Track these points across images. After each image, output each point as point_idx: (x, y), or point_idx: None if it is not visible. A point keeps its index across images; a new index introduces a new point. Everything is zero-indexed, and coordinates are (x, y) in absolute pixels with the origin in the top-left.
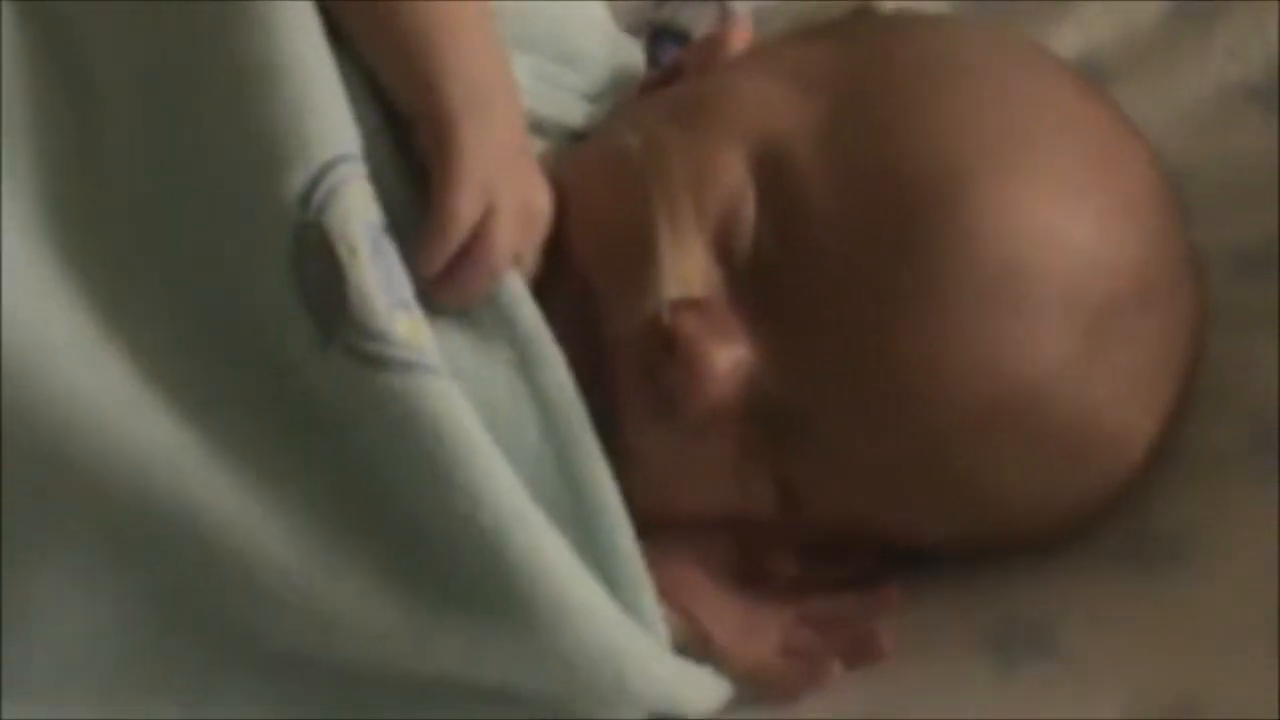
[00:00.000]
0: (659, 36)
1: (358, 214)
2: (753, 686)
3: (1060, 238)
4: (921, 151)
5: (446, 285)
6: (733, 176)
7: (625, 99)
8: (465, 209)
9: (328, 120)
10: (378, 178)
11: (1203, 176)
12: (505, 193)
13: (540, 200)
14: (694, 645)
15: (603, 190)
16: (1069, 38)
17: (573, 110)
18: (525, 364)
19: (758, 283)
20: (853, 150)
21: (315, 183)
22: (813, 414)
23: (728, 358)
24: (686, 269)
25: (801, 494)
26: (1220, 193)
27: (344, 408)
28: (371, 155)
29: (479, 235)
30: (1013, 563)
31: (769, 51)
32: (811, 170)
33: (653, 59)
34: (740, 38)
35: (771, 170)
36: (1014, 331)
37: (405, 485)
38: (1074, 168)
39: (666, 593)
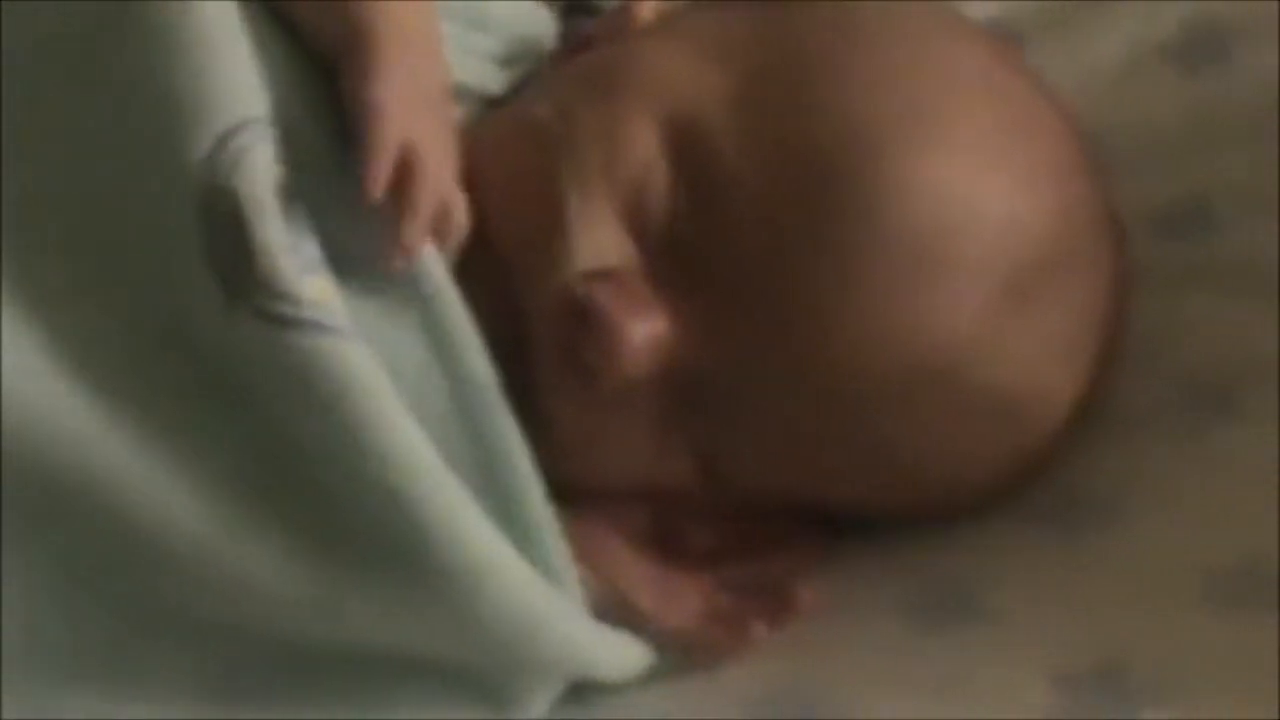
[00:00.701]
0: (572, 8)
1: (266, 175)
2: (675, 650)
3: (975, 203)
4: (834, 120)
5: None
6: (644, 146)
7: (538, 69)
8: (394, 126)
9: (233, 83)
10: (290, 139)
11: (1119, 137)
12: (425, 135)
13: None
14: (613, 609)
15: (513, 161)
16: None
17: (487, 76)
18: (433, 328)
19: (673, 253)
20: (765, 119)
21: (221, 146)
22: (731, 385)
23: (642, 330)
24: (598, 240)
25: (720, 464)
26: (1138, 153)
27: (253, 370)
28: (285, 115)
29: (408, 163)
30: (937, 526)
31: (680, 20)
32: (724, 140)
33: (565, 30)
34: (649, 6)
35: (684, 140)
36: (930, 298)
37: (315, 448)
38: (988, 134)
39: (584, 556)
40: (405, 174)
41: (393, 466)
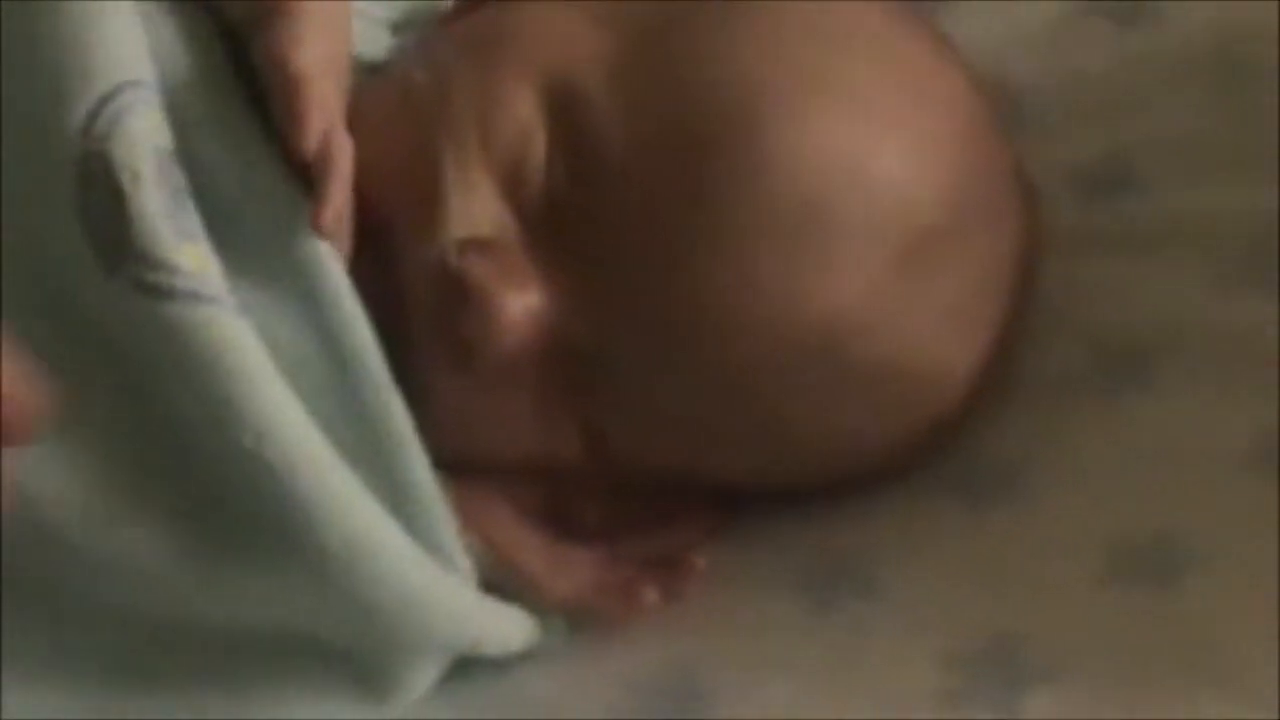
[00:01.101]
0: None
1: (144, 141)
2: (564, 622)
3: (864, 171)
4: (717, 84)
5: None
6: (521, 112)
7: (425, 33)
8: (320, 94)
9: (113, 47)
10: (176, 106)
11: (1046, 94)
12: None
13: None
14: (503, 578)
15: (389, 127)
16: None
17: (375, 42)
18: (315, 298)
19: (552, 223)
20: (646, 84)
21: (98, 110)
22: (615, 357)
23: (520, 304)
24: (474, 209)
25: (607, 438)
26: (1064, 111)
27: (129, 340)
28: (171, 83)
29: (331, 133)
30: (835, 499)
31: None
32: (604, 105)
33: None
34: None
35: (562, 106)
36: (815, 267)
37: (190, 420)
38: (881, 100)
39: (474, 524)
40: (330, 143)
41: (270, 440)
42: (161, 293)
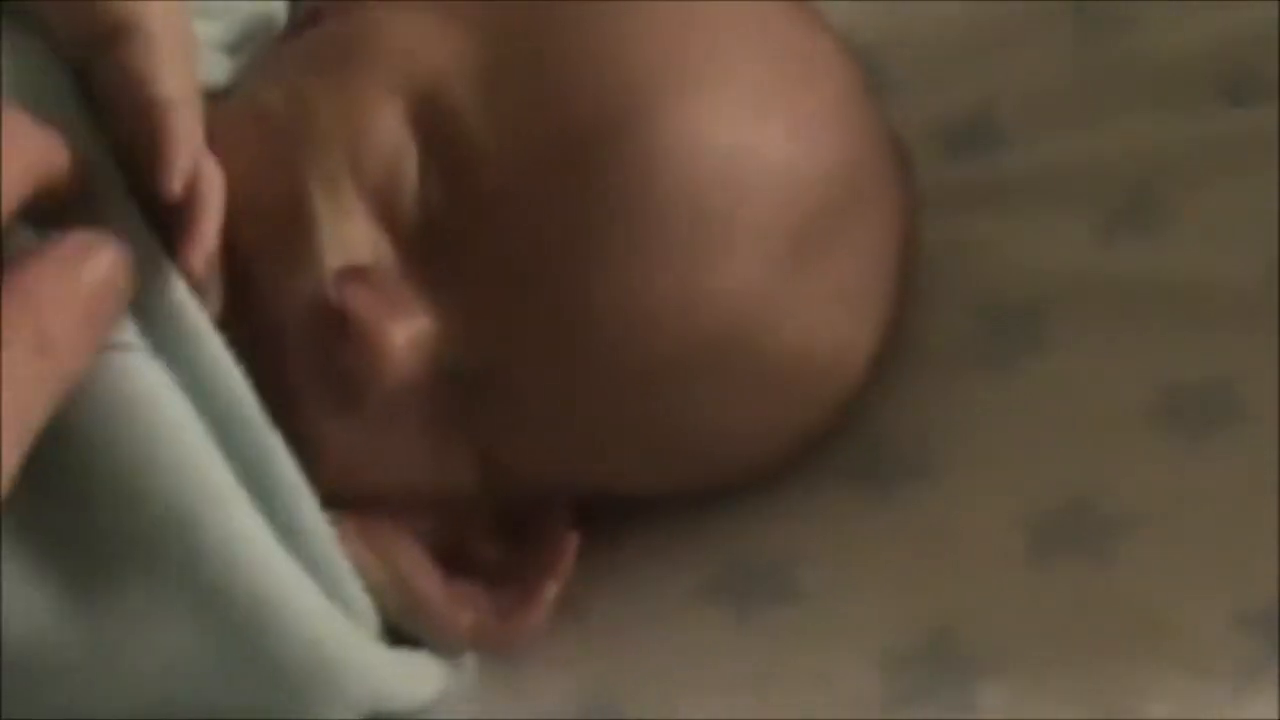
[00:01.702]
0: None
1: None
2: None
3: (749, 160)
4: (589, 80)
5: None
6: (389, 128)
7: (264, 51)
8: (188, 124)
9: None
10: None
11: (905, 50)
12: None
13: None
14: (406, 617)
15: (246, 155)
16: None
17: (215, 66)
18: (175, 344)
19: (430, 244)
20: (515, 87)
21: None
22: (506, 375)
23: (404, 332)
24: (348, 235)
25: (502, 459)
26: (925, 68)
27: None
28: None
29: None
30: (738, 496)
31: None
32: (474, 116)
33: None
34: None
35: (431, 119)
36: (708, 266)
37: (92, 467)
38: (758, 82)
39: (377, 556)
40: (199, 177)
41: (175, 484)
42: None
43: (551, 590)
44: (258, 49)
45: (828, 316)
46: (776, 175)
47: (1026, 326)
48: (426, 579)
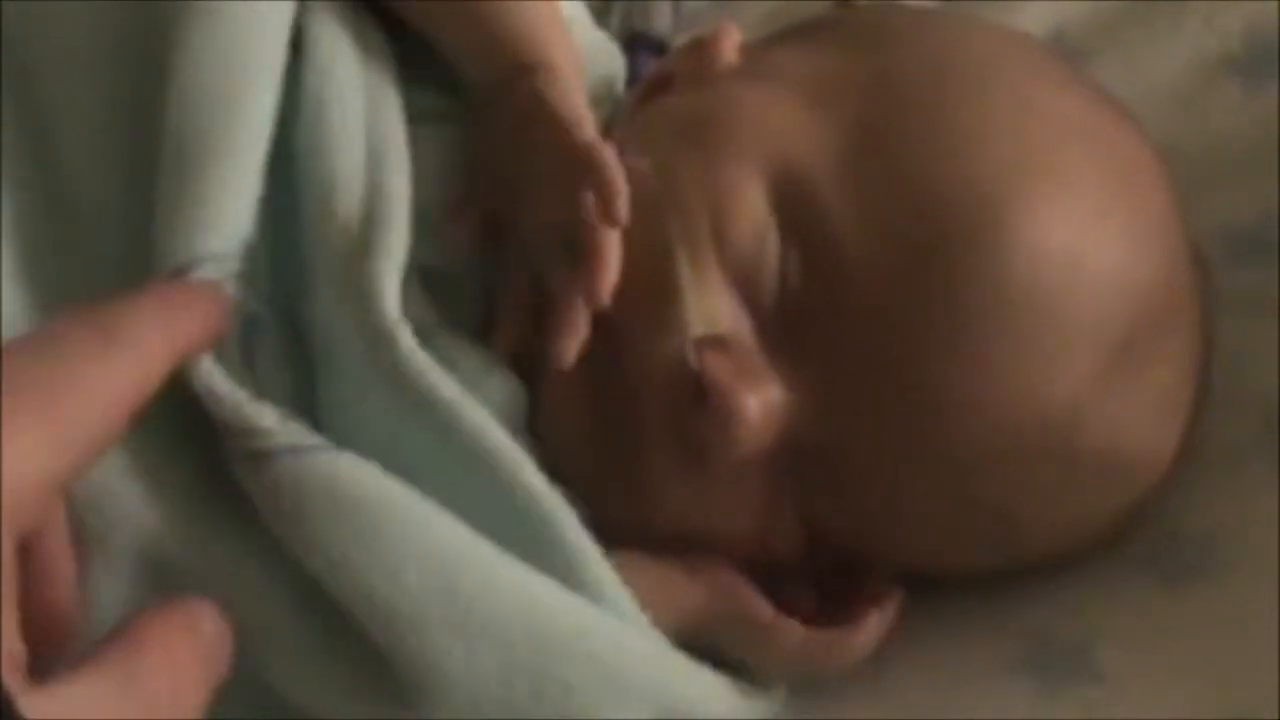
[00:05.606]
0: (634, 44)
1: None
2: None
3: (1087, 263)
4: (943, 181)
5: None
6: (753, 209)
7: (621, 112)
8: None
9: (208, 211)
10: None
11: (1184, 156)
12: None
13: None
14: (729, 627)
15: None
16: (1037, 11)
17: None
18: (438, 416)
19: (785, 320)
20: (874, 181)
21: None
22: (843, 452)
23: (760, 404)
24: (711, 305)
25: (828, 531)
26: (1205, 173)
27: (264, 509)
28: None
29: None
30: (1034, 578)
31: (766, 59)
32: (833, 201)
33: (632, 68)
34: (730, 44)
35: (792, 202)
36: (1046, 361)
37: (332, 564)
38: (1094, 185)
39: (698, 580)
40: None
41: (418, 554)
42: (264, 455)
43: (876, 622)
44: (607, 108)
45: (1143, 417)
46: (1109, 282)
47: None
48: (756, 596)
